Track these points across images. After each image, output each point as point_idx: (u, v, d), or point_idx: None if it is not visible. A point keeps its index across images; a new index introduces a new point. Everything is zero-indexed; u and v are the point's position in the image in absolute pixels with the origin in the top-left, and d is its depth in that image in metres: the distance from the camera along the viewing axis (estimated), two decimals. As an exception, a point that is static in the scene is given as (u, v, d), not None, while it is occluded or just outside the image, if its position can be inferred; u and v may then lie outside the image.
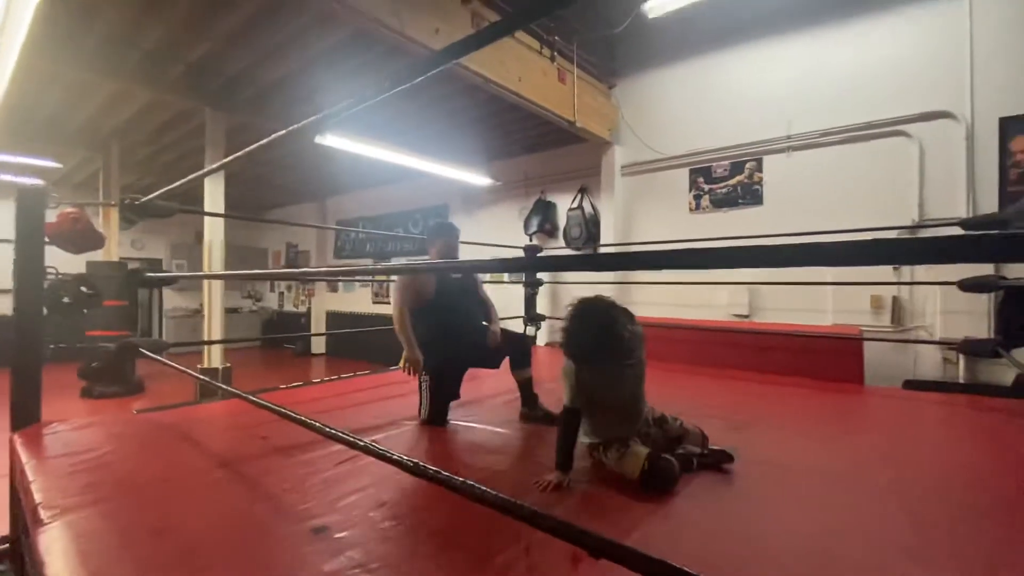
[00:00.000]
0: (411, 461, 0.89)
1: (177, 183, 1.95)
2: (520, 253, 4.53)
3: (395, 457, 0.93)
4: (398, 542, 1.26)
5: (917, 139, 3.86)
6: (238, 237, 10.95)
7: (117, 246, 6.58)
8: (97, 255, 6.09)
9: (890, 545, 1.29)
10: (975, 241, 0.49)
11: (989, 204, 3.62)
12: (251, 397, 1.47)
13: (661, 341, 4.18)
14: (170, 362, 1.97)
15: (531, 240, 6.22)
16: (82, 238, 2.27)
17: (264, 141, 1.51)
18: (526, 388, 2.35)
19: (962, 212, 3.66)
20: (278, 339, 11.02)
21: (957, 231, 2.81)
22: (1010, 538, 1.32)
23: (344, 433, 1.07)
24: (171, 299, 10.49)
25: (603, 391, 1.68)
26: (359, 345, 9.12)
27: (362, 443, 1.01)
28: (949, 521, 1.41)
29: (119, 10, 3.67)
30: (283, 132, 1.42)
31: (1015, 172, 3.57)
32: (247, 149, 1.57)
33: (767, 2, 4.41)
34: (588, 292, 2.27)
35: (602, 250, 5.44)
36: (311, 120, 1.30)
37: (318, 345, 10.09)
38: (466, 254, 6.98)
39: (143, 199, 2.13)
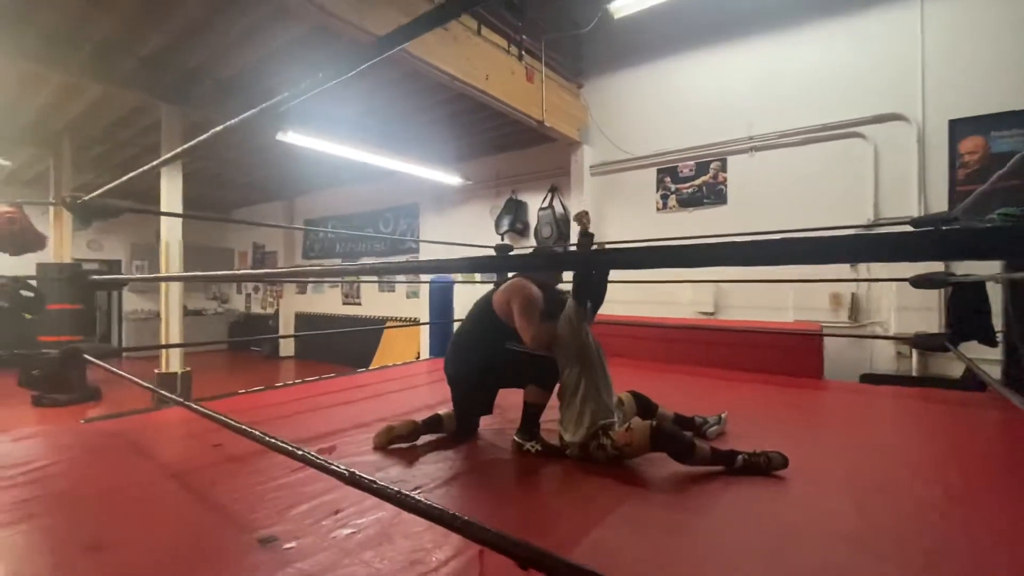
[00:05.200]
0: (347, 471, 0.86)
1: (119, 180, 1.86)
2: (491, 252, 4.51)
3: (333, 467, 0.90)
4: (351, 552, 1.22)
5: (872, 141, 3.99)
6: (202, 237, 10.60)
7: (70, 247, 6.29)
8: (46, 256, 5.81)
9: (837, 537, 1.31)
10: (933, 236, 0.46)
11: (939, 204, 3.76)
12: (193, 405, 1.41)
13: (628, 338, 4.22)
14: (115, 369, 1.88)
15: (502, 239, 6.20)
16: (20, 238, 2.15)
17: (209, 134, 1.44)
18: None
19: (914, 211, 3.79)
20: (243, 342, 10.70)
21: (909, 230, 2.91)
22: (952, 529, 1.36)
23: (282, 442, 1.03)
24: (132, 301, 10.09)
25: (585, 340, 2.00)
26: (329, 347, 8.96)
27: (300, 452, 0.97)
28: (896, 513, 1.45)
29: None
30: (231, 123, 1.36)
31: (963, 172, 3.72)
32: (192, 142, 1.50)
33: (728, 6, 4.49)
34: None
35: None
36: (256, 111, 1.24)
37: (287, 348, 9.87)
38: (437, 253, 6.89)
39: (85, 197, 2.03)
